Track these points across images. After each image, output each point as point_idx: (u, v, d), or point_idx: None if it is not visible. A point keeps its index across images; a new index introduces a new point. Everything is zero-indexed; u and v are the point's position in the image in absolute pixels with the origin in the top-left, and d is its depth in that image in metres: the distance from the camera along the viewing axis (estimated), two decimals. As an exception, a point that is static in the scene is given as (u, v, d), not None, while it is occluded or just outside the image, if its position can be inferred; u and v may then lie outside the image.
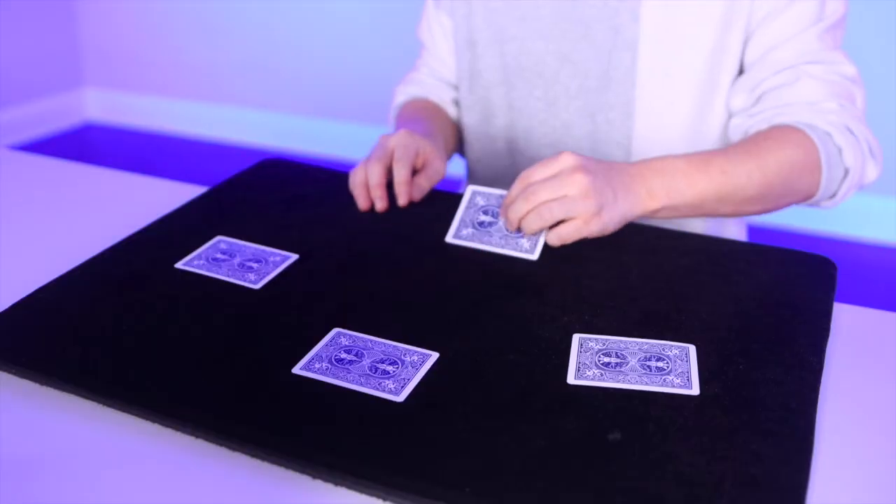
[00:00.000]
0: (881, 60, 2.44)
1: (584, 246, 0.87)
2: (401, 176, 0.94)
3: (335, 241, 0.88)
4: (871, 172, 0.97)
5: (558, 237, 0.84)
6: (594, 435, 0.60)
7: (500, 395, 0.64)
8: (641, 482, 0.56)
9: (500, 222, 0.88)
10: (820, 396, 0.66)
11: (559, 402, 0.64)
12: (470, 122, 1.15)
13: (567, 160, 0.83)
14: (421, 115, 1.13)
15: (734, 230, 1.14)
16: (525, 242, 0.85)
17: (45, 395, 0.68)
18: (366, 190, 0.95)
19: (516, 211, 0.83)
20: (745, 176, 0.90)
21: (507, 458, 0.58)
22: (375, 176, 0.94)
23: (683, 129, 1.02)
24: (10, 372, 0.69)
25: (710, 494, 0.55)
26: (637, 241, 0.88)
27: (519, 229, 0.86)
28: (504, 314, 0.75)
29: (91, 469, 0.61)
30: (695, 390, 0.65)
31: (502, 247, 0.86)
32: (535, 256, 0.84)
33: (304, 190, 1.01)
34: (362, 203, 0.95)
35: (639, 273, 0.82)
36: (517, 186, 0.84)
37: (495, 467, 0.57)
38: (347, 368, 0.67)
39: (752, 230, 2.33)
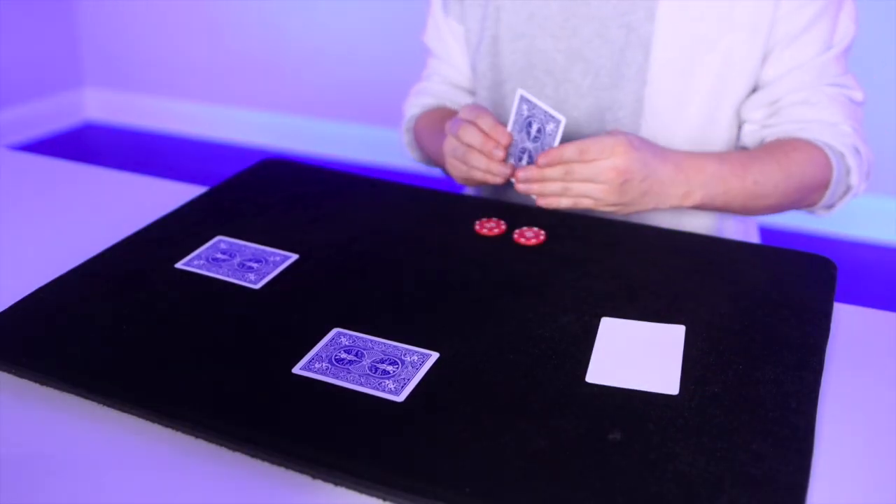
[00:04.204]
0: (882, 60, 2.44)
1: (584, 247, 0.87)
2: (489, 123, 0.93)
3: (335, 241, 0.88)
4: (863, 187, 1.06)
5: (561, 202, 0.90)
6: (594, 435, 0.60)
7: (500, 395, 0.64)
8: (641, 482, 0.56)
9: None
10: (820, 396, 0.66)
11: (559, 402, 0.64)
12: None
13: (616, 150, 0.87)
14: (443, 125, 1.08)
15: (739, 229, 1.13)
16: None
17: (45, 395, 0.68)
18: (483, 157, 0.94)
19: (552, 182, 0.89)
20: (772, 187, 0.96)
21: (507, 458, 0.58)
22: (477, 137, 0.93)
23: (691, 130, 1.02)
24: (10, 372, 0.69)
25: (710, 494, 0.55)
26: (637, 242, 0.88)
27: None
28: (504, 314, 0.75)
29: (91, 469, 0.61)
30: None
31: None
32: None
33: (304, 190, 1.01)
34: (501, 170, 0.94)
35: (639, 273, 0.82)
36: (572, 152, 0.87)
37: (495, 467, 0.57)
38: (347, 368, 0.67)
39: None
